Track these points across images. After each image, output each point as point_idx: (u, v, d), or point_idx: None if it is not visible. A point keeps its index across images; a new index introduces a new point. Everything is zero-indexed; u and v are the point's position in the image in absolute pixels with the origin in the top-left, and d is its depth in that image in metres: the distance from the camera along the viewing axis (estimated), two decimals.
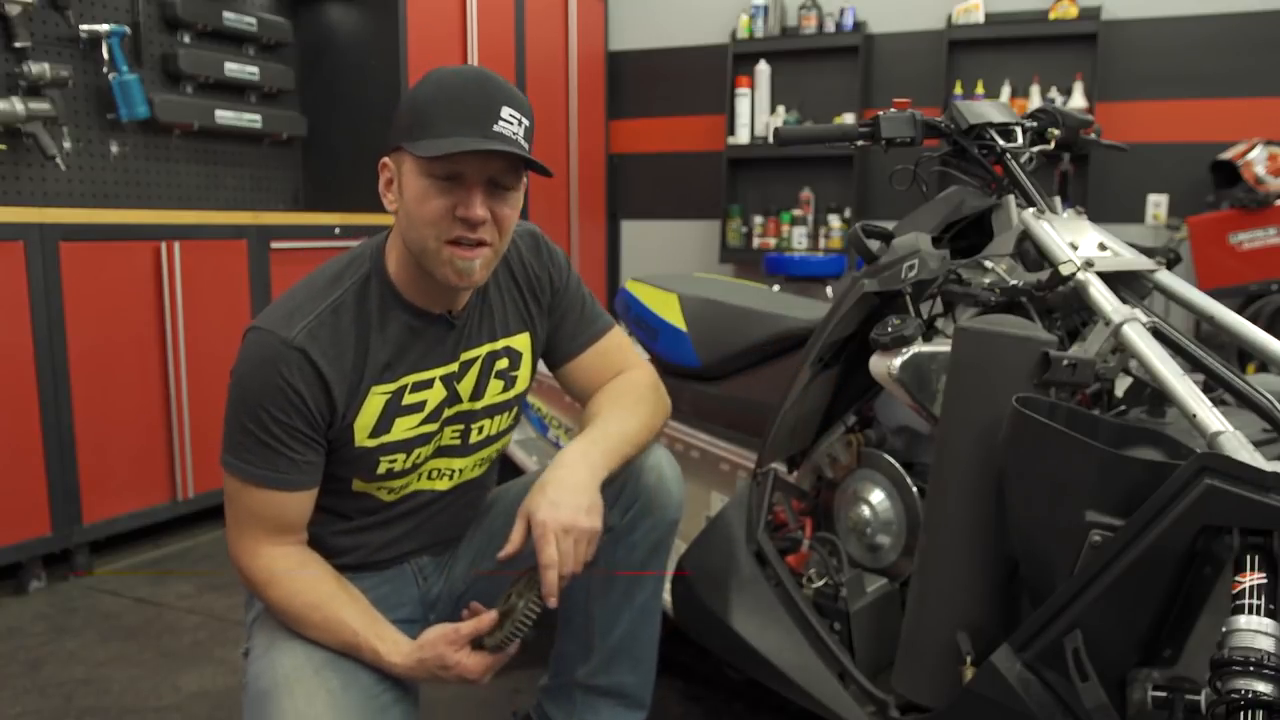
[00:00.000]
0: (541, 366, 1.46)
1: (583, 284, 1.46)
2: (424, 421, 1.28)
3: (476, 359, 1.32)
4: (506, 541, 1.21)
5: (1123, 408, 1.33)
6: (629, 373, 1.46)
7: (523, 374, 1.39)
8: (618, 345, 1.48)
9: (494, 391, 1.35)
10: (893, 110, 1.52)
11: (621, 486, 1.39)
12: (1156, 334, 1.21)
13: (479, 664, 1.18)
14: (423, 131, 1.13)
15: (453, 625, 1.18)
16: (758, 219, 4.94)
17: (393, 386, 1.24)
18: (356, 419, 1.22)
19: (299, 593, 1.20)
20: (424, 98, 1.15)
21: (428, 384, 1.27)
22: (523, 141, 1.15)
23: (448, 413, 1.31)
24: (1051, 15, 4.30)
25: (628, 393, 1.41)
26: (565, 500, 1.20)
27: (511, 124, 1.14)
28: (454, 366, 1.29)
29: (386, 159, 1.21)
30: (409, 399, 1.25)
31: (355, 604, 1.22)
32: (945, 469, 1.24)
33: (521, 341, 1.37)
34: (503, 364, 1.35)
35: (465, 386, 1.31)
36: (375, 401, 1.23)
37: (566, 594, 1.45)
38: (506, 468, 1.59)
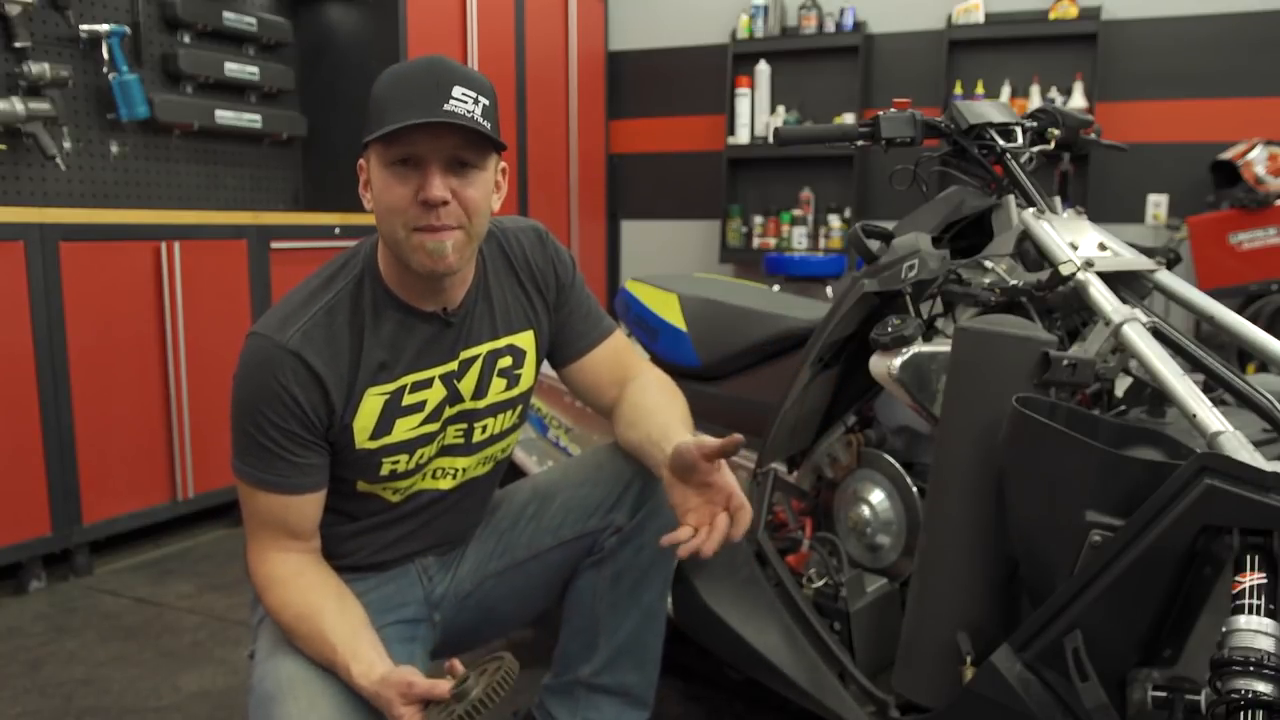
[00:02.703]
0: (544, 366, 1.46)
1: (586, 284, 1.46)
2: (425, 421, 1.27)
3: (477, 357, 1.31)
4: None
5: (1123, 408, 1.33)
6: (652, 371, 1.47)
7: (527, 372, 1.38)
8: (625, 345, 1.49)
9: (497, 390, 1.35)
10: (893, 110, 1.52)
11: (629, 488, 1.39)
12: (1156, 334, 1.21)
13: None
14: (378, 123, 1.13)
15: (411, 677, 1.11)
16: (758, 219, 4.94)
17: (391, 387, 1.24)
18: (355, 420, 1.22)
19: (291, 602, 1.20)
20: (378, 91, 1.17)
21: (427, 384, 1.27)
22: (480, 119, 1.14)
23: (449, 412, 1.30)
24: (1051, 15, 4.30)
25: (664, 389, 1.44)
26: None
27: (465, 102, 1.13)
28: (453, 365, 1.29)
29: (362, 160, 1.23)
30: (408, 399, 1.25)
31: (342, 618, 1.19)
32: (945, 469, 1.24)
33: (525, 339, 1.37)
34: (505, 362, 1.35)
35: (467, 385, 1.31)
36: (373, 403, 1.22)
37: (571, 594, 1.45)
38: (508, 469, 1.59)
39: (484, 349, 1.32)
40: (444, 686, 1.13)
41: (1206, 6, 4.12)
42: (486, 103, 1.16)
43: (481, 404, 1.33)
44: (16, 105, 2.69)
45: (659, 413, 1.36)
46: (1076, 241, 1.35)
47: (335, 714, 1.12)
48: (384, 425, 1.24)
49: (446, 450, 1.33)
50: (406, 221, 1.15)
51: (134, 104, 2.98)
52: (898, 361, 1.35)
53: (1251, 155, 3.78)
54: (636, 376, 1.46)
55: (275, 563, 1.22)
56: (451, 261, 1.18)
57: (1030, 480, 1.11)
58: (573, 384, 1.48)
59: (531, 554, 1.43)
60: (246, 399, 1.18)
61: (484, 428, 1.35)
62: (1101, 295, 1.25)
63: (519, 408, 1.40)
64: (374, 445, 1.24)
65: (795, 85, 4.81)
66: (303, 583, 1.22)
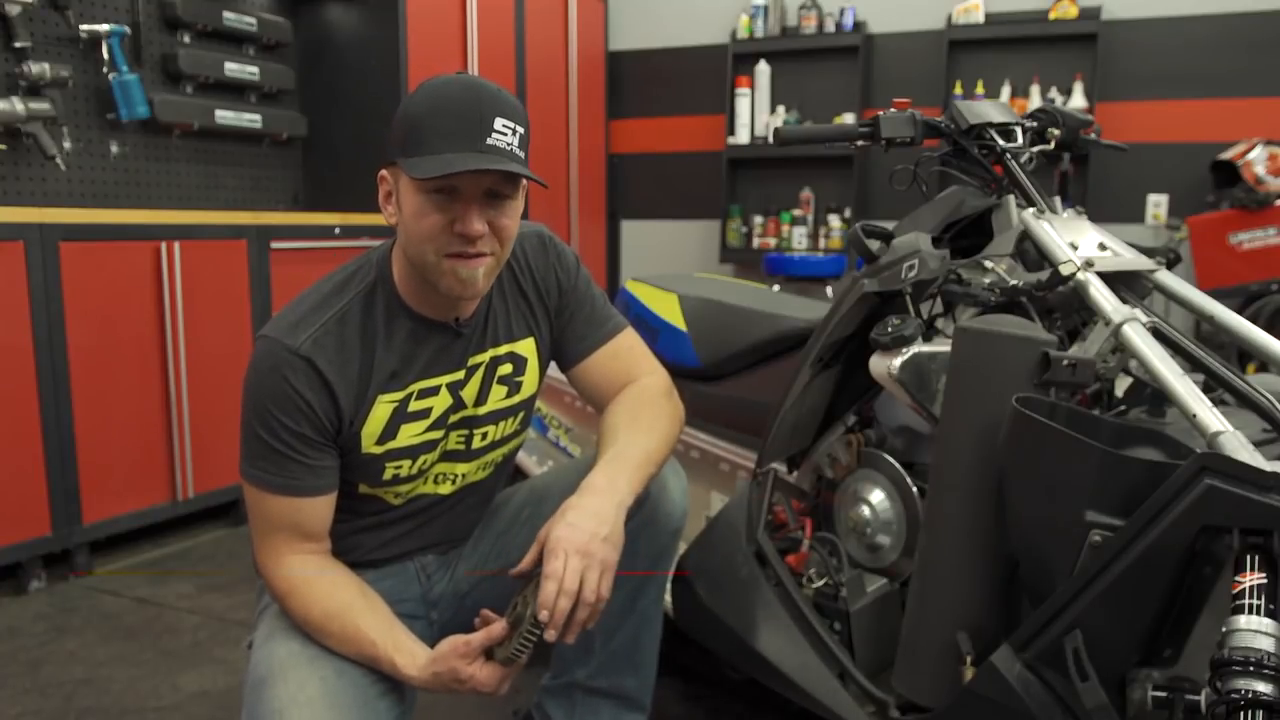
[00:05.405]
0: (550, 367, 1.45)
1: (594, 284, 1.44)
2: (429, 428, 1.28)
3: (480, 364, 1.32)
4: (523, 559, 1.19)
5: (1123, 408, 1.33)
6: (643, 381, 1.42)
7: (528, 379, 1.38)
8: (629, 347, 1.44)
9: (497, 397, 1.35)
10: (893, 110, 1.52)
11: None
12: (1156, 334, 1.21)
13: (491, 676, 1.16)
14: (416, 148, 1.12)
15: (464, 637, 1.16)
16: (758, 219, 4.94)
17: (399, 395, 1.24)
18: (364, 427, 1.22)
19: (317, 601, 1.20)
20: (416, 112, 1.14)
21: (433, 391, 1.27)
22: (517, 150, 1.14)
23: (452, 418, 1.31)
24: (1051, 15, 4.30)
25: (646, 405, 1.37)
26: (585, 525, 1.16)
27: (505, 134, 1.13)
28: (460, 374, 1.29)
29: (384, 172, 1.21)
30: (415, 406, 1.26)
31: (374, 613, 1.21)
32: (945, 469, 1.24)
33: (526, 347, 1.37)
34: (506, 369, 1.35)
35: (469, 392, 1.31)
36: (382, 410, 1.23)
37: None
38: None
39: (486, 356, 1.32)
40: (499, 625, 1.14)
41: (1206, 6, 4.12)
42: (522, 131, 1.16)
43: (482, 410, 1.34)
44: (16, 105, 2.69)
45: (615, 440, 1.30)
46: (1076, 241, 1.35)
47: (322, 695, 1.12)
48: (390, 431, 1.24)
49: (447, 456, 1.34)
50: (439, 248, 1.16)
51: (134, 104, 2.98)
52: (898, 361, 1.35)
53: (1251, 155, 3.78)
54: (632, 383, 1.43)
55: (292, 566, 1.22)
56: (480, 287, 1.20)
57: (1030, 480, 1.11)
58: (577, 386, 1.46)
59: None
60: (258, 402, 1.18)
61: (484, 434, 1.35)
62: (1101, 295, 1.24)
63: (521, 414, 1.40)
64: (379, 450, 1.24)
65: (795, 85, 4.81)
66: (325, 583, 1.22)
